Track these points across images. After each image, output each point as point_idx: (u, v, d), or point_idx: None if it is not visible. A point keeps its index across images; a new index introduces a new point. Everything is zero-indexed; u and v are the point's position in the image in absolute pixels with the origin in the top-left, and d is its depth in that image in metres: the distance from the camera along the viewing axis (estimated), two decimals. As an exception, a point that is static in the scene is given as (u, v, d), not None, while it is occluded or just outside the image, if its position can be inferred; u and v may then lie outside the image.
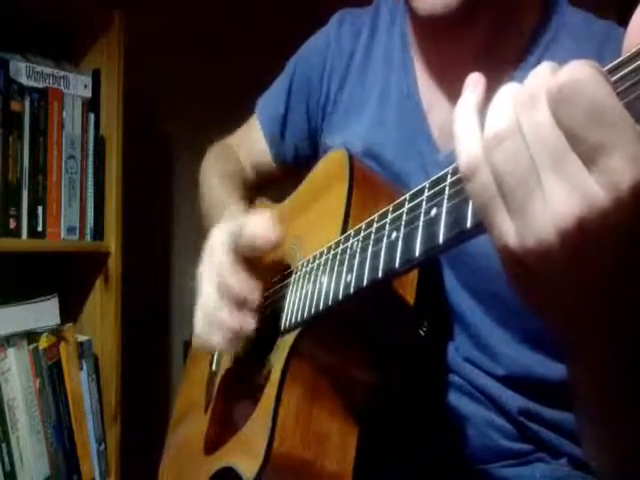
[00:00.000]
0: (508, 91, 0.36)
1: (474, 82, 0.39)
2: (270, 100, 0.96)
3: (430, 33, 0.75)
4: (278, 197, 0.92)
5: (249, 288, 0.64)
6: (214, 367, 0.86)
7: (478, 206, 0.36)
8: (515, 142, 0.34)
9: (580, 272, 0.35)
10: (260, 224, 0.63)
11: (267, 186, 1.00)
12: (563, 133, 0.32)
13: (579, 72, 0.31)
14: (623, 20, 0.70)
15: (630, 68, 0.32)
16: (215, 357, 0.87)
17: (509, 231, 0.35)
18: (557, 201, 0.32)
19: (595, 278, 0.36)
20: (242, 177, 0.96)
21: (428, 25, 0.73)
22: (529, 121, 0.33)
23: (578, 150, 0.32)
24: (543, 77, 0.34)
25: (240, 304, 0.64)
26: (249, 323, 0.64)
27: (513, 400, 0.69)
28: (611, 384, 0.46)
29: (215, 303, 0.65)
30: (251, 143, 0.98)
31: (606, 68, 0.33)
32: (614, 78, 0.32)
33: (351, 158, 0.69)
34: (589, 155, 0.31)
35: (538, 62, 0.68)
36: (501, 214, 0.35)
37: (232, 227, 0.67)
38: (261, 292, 0.65)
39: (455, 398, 0.70)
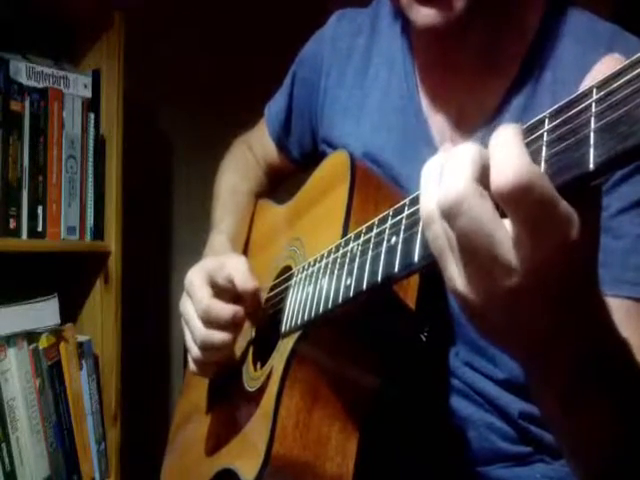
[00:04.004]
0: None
1: (448, 144, 0.43)
2: (275, 104, 0.98)
3: (429, 41, 0.75)
4: (280, 199, 0.92)
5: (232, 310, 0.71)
6: None
7: (433, 249, 0.41)
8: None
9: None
10: (237, 270, 0.71)
11: (285, 181, 1.05)
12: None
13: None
14: (620, 20, 0.70)
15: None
16: None
17: (457, 276, 0.40)
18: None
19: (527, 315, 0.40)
20: (249, 188, 1.00)
21: (426, 35, 0.74)
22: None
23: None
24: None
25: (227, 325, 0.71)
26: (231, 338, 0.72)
27: (513, 403, 0.69)
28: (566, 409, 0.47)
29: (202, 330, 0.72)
30: (262, 146, 1.01)
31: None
32: None
33: (352, 160, 0.69)
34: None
35: (541, 65, 0.69)
36: (450, 263, 0.40)
37: (211, 266, 0.74)
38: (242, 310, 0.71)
39: (455, 401, 0.71)
